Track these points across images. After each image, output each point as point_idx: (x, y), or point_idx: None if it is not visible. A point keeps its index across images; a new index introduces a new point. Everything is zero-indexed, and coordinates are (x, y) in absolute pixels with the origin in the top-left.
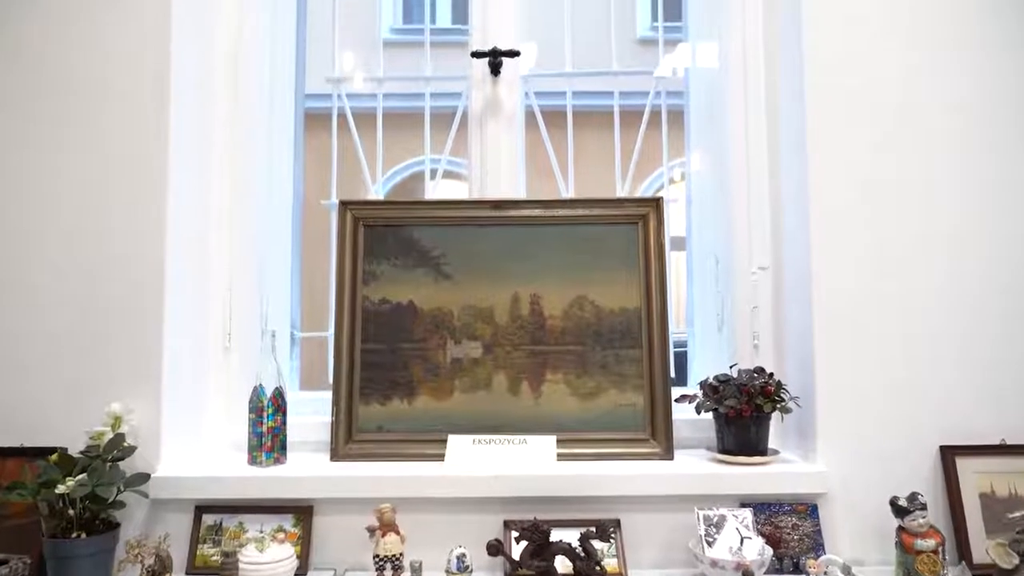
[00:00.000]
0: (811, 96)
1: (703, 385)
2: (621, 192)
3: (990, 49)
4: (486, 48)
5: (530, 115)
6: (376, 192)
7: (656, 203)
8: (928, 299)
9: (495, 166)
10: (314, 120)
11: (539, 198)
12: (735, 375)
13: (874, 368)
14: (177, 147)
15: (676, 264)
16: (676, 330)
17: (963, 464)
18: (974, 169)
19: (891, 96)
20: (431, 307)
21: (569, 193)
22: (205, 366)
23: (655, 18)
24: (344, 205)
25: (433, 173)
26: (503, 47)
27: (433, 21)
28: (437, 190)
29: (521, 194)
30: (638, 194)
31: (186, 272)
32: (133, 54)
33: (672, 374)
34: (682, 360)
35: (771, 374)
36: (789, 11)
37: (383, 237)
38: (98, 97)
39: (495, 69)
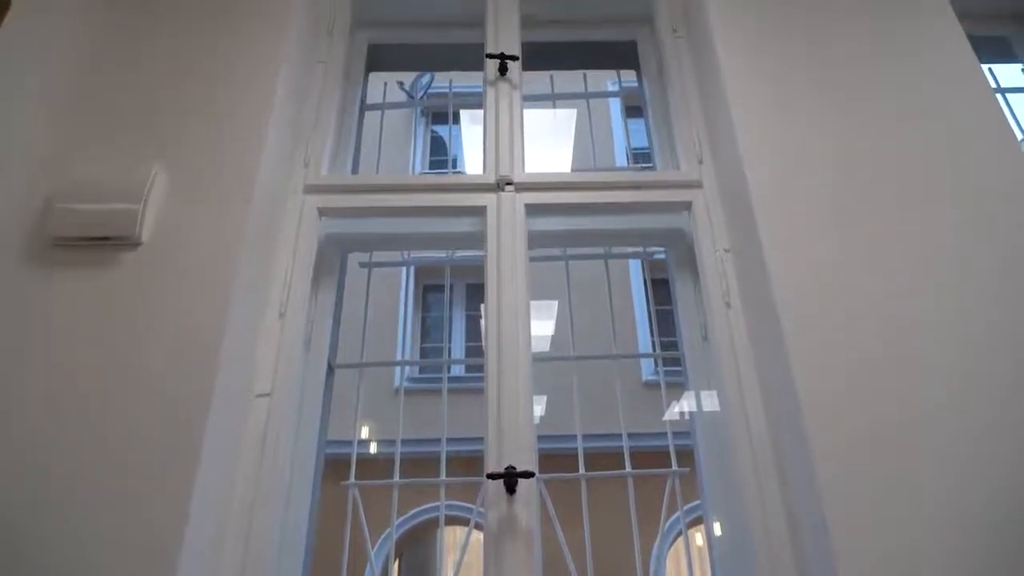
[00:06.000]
0: (816, 452)
1: None
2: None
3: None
4: (501, 469)
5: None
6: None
7: None
8: None
9: None
10: (332, 463)
11: None
12: None
13: None
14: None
15: None
16: None
17: None
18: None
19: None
20: None
21: None
22: None
23: (657, 363)
24: None
25: (448, 520)
26: (519, 467)
27: (449, 371)
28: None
29: None
30: (658, 537)
31: None
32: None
33: None
34: None
35: None
36: (776, 359)
37: None
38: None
39: (511, 488)
